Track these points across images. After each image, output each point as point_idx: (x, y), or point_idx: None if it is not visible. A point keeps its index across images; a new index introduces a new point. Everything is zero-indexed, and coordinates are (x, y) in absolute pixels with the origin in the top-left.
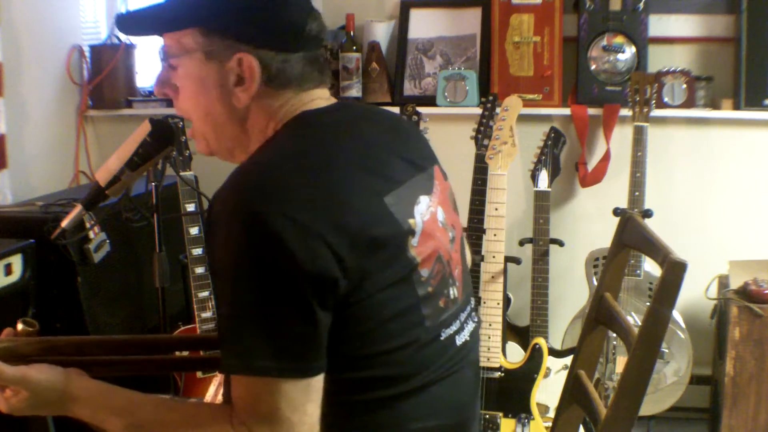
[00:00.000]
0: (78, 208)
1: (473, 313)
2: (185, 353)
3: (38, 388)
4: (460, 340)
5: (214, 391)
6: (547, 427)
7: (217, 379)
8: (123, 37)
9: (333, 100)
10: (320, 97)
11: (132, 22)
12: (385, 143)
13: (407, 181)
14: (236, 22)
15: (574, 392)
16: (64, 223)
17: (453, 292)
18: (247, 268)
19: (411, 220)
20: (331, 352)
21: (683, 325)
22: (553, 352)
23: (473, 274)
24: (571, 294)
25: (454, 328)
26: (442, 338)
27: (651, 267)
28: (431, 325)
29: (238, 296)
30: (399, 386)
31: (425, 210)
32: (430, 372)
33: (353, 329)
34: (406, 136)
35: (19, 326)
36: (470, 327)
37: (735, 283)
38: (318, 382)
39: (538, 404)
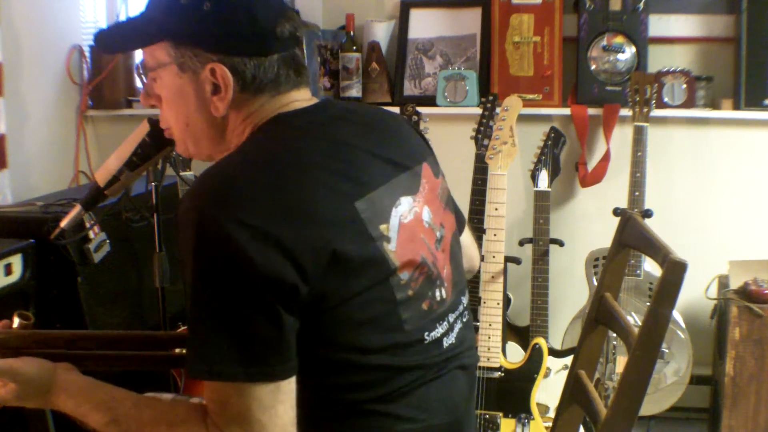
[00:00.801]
0: (77, 208)
1: (465, 313)
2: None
3: (26, 380)
4: (447, 342)
5: None
6: (547, 427)
7: None
8: None
9: (314, 101)
10: (299, 99)
11: (107, 40)
12: (360, 144)
13: (385, 184)
14: (204, 33)
15: (574, 392)
16: (64, 223)
17: (440, 293)
18: (206, 272)
19: (383, 226)
20: (311, 356)
21: (683, 325)
22: (553, 352)
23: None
24: (571, 294)
25: (441, 330)
26: (426, 341)
27: (651, 267)
28: (412, 328)
29: (201, 301)
30: (383, 389)
31: (407, 211)
32: (415, 374)
33: (328, 334)
34: (387, 134)
35: (15, 319)
36: (459, 327)
37: (735, 283)
38: (288, 384)
39: (538, 404)
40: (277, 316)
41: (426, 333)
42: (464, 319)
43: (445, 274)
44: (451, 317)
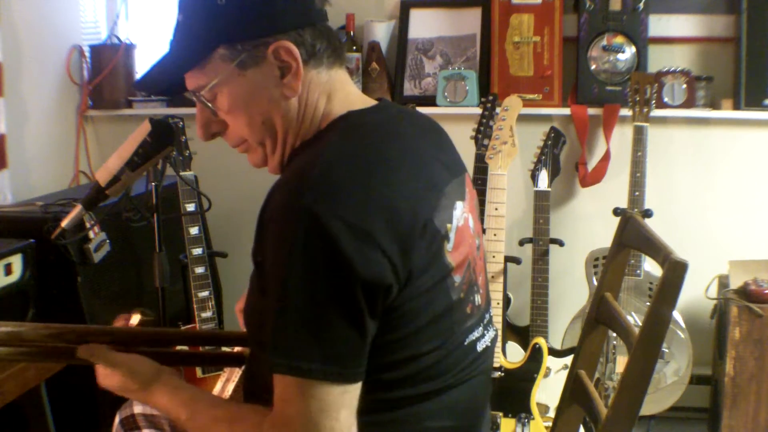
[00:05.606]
0: (78, 208)
1: (491, 321)
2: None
3: (131, 374)
4: (480, 347)
5: (220, 387)
6: (547, 427)
7: (224, 377)
8: (123, 36)
9: (366, 97)
10: (355, 91)
11: (157, 80)
12: (425, 146)
13: (447, 186)
14: (254, 19)
15: (574, 392)
16: (64, 223)
17: (477, 299)
18: (302, 268)
19: (449, 225)
20: (369, 356)
21: (683, 325)
22: (553, 352)
23: None
24: (571, 294)
25: (476, 334)
26: (466, 344)
27: (651, 267)
28: (459, 330)
29: (290, 296)
30: (421, 387)
31: (460, 215)
32: (451, 375)
33: (393, 335)
34: (439, 140)
35: (135, 316)
36: (491, 334)
37: (735, 283)
38: (356, 389)
39: (538, 404)
40: (364, 320)
41: (467, 336)
42: (495, 327)
43: (481, 281)
44: (484, 322)
